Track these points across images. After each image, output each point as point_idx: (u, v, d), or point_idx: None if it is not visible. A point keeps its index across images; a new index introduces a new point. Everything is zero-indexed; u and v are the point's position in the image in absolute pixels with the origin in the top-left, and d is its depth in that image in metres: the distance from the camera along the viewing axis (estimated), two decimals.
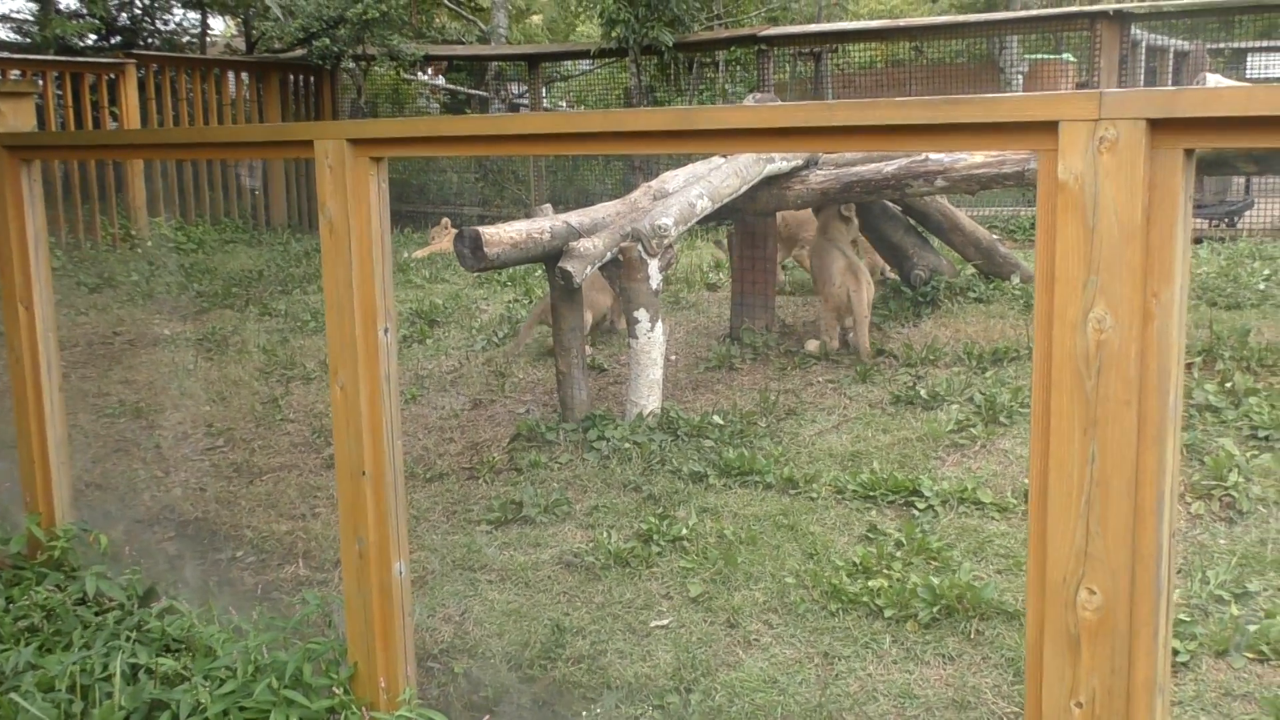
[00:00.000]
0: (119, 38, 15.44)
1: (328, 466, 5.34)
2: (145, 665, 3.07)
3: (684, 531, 4.26)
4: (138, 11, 16.38)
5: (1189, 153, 1.62)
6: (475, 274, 8.75)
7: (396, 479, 2.84)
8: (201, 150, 5.09)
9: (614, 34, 12.86)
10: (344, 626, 2.98)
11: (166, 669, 3.03)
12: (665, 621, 3.69)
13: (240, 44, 17.83)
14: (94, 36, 15.27)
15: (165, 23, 17.53)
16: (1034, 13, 14.59)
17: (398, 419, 2.85)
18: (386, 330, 2.78)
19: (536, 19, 30.59)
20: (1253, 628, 3.32)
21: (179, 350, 7.71)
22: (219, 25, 22.89)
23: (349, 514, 2.86)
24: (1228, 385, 5.16)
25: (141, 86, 12.55)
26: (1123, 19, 11.24)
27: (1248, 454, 4.49)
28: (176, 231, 12.15)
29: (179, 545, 4.61)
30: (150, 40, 16.26)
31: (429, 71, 16.35)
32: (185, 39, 18.00)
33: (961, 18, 14.86)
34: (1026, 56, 13.87)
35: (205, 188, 13.24)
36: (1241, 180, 11.29)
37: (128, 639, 3.25)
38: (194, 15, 17.72)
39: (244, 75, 14.33)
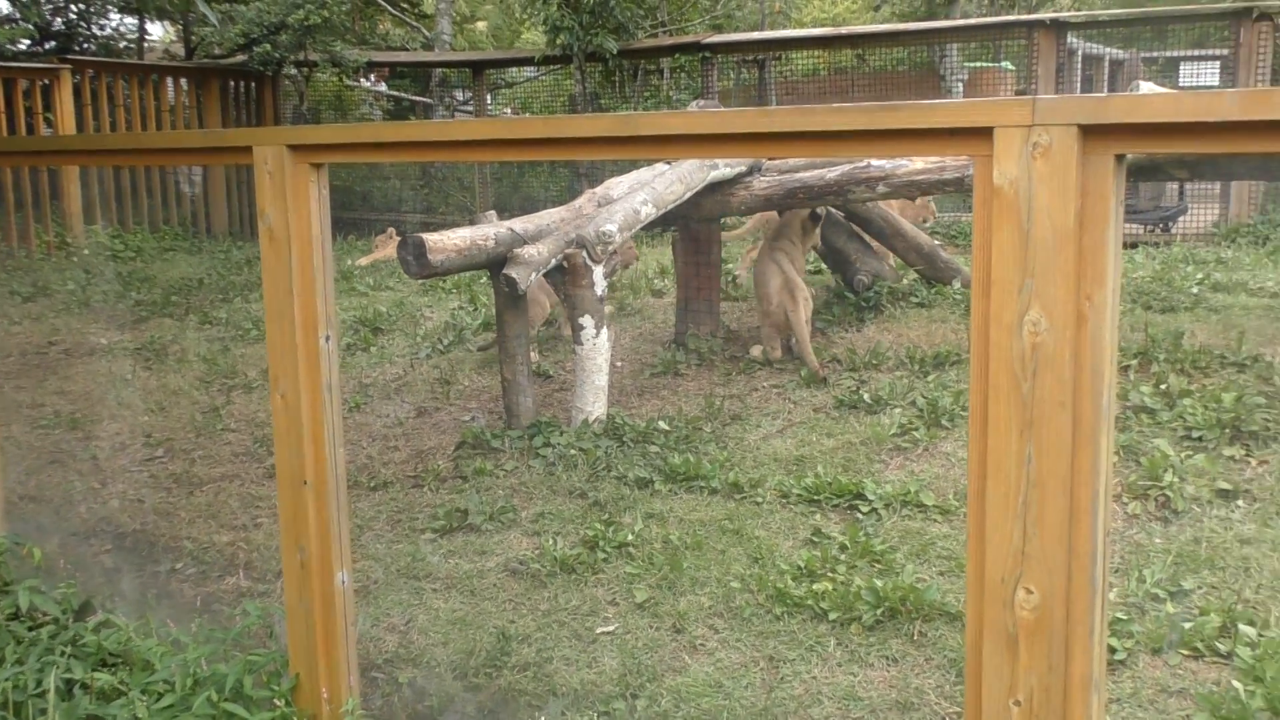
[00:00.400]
0: (54, 43, 15.16)
1: (270, 476, 5.28)
2: (81, 680, 3.01)
3: (630, 537, 4.26)
4: (73, 17, 16.10)
5: (1120, 158, 1.65)
6: (420, 281, 8.70)
7: (339, 487, 2.81)
8: (138, 157, 5.02)
9: (559, 41, 12.88)
10: (286, 638, 2.95)
11: (103, 684, 2.97)
12: (611, 628, 3.69)
13: (180, 50, 17.59)
14: (28, 42, 14.98)
15: (101, 28, 17.25)
16: (973, 21, 14.79)
17: (340, 427, 2.82)
18: (328, 337, 2.75)
19: (481, 26, 30.52)
20: (1187, 625, 3.38)
21: (116, 360, 7.59)
22: (157, 31, 22.58)
23: (290, 523, 2.83)
24: (1163, 387, 5.26)
25: (77, 93, 12.35)
26: (1059, 28, 11.44)
27: (1182, 454, 4.58)
28: (114, 239, 11.96)
29: (116, 558, 4.53)
30: (86, 46, 15.99)
31: (371, 78, 16.23)
32: (123, 45, 17.74)
33: (902, 26, 15.04)
34: (966, 64, 14.07)
35: (144, 195, 13.05)
36: (1175, 186, 11.52)
37: (62, 654, 3.18)
38: (131, 21, 17.47)
39: (183, 81, 14.16)
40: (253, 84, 14.60)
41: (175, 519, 4.89)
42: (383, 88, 17.32)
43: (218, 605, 4.02)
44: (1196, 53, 14.02)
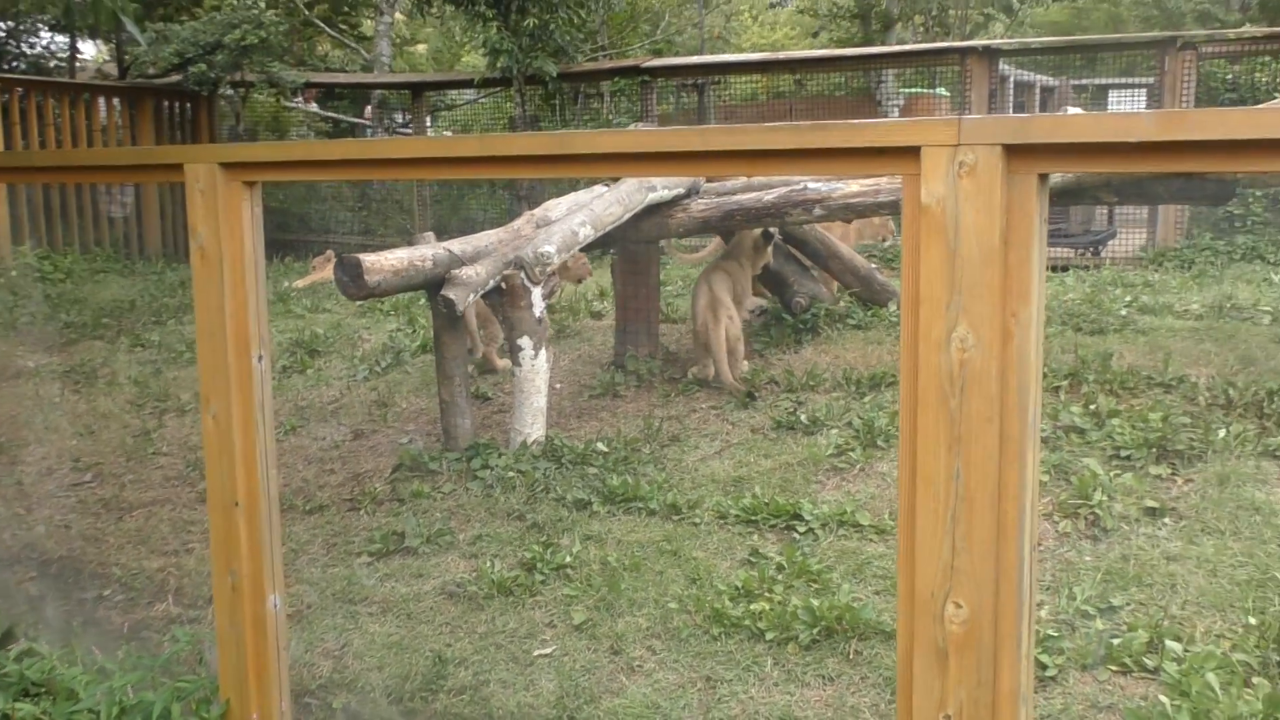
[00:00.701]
0: None
1: (202, 500, 5.19)
2: (2, 711, 2.94)
3: (568, 559, 4.24)
4: (1, 34, 15.85)
5: (1043, 177, 1.68)
6: (357, 302, 8.62)
7: (271, 509, 2.77)
8: (66, 174, 4.94)
9: (498, 64, 12.87)
10: (216, 664, 2.90)
11: (24, 714, 2.90)
12: (549, 650, 3.67)
13: (113, 69, 17.35)
14: None
15: (32, 46, 16.99)
16: (908, 48, 15.04)
17: (272, 448, 2.78)
18: (261, 357, 2.72)
19: (421, 48, 30.46)
20: (1116, 641, 3.43)
21: (44, 383, 7.43)
22: (90, 50, 22.28)
23: (221, 546, 2.78)
24: (1092, 407, 5.35)
25: (5, 111, 12.11)
26: (991, 55, 11.66)
27: (1111, 473, 4.66)
28: (43, 260, 11.72)
29: (41, 585, 4.43)
30: (15, 64, 15.74)
31: (300, 98, 16.09)
32: (53, 63, 17.46)
33: (840, 51, 15.24)
34: (902, 90, 14.28)
35: (74, 215, 12.81)
36: (1105, 211, 11.76)
37: None
38: (62, 39, 17.22)
39: (115, 101, 13.94)
40: (188, 104, 14.42)
41: (103, 545, 4.79)
42: (313, 107, 17.19)
43: (146, 632, 3.95)
44: (1124, 80, 14.34)
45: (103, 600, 4.26)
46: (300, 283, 10.98)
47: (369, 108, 16.75)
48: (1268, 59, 11.71)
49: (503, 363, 7.44)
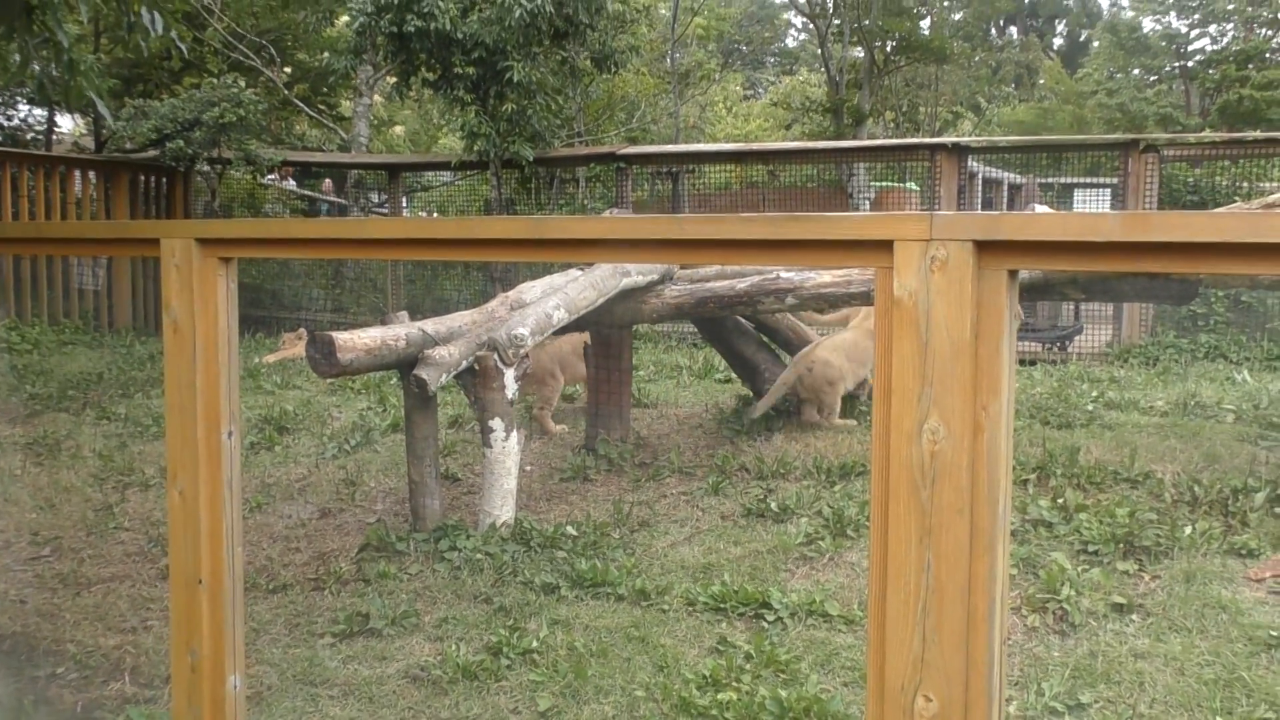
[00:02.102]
0: None
1: (163, 577, 5.11)
2: None
3: (535, 644, 4.19)
4: None
5: (1012, 273, 1.71)
6: (328, 380, 8.59)
7: (235, 588, 2.73)
8: (41, 246, 4.93)
9: (475, 147, 13.03)
10: None
11: None
12: None
13: (90, 142, 17.43)
14: None
15: (9, 118, 17.06)
16: (879, 142, 15.32)
17: (239, 526, 2.75)
18: (231, 433, 2.70)
19: (399, 130, 30.80)
20: None
21: (4, 455, 7.34)
22: (67, 123, 22.39)
23: (182, 624, 2.74)
24: (1060, 501, 5.38)
25: None
26: (960, 152, 11.90)
27: (1079, 568, 4.67)
28: (10, 331, 11.65)
29: None
30: None
31: (274, 175, 16.19)
32: (30, 135, 17.52)
33: (812, 144, 15.52)
34: (873, 183, 14.53)
35: (44, 286, 12.77)
36: (1071, 307, 11.94)
37: None
38: (40, 112, 17.30)
39: (91, 174, 13.99)
40: (164, 179, 14.49)
41: (59, 621, 4.70)
42: (291, 184, 17.28)
43: (100, 712, 3.85)
44: (1089, 180, 14.68)
45: (56, 678, 4.16)
46: (270, 358, 10.95)
47: (326, 181, 16.84)
48: (1227, 163, 12.02)
49: (558, 427, 7.49)
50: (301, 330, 11.84)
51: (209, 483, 2.68)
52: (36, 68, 5.53)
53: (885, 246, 1.76)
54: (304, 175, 17.87)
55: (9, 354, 10.94)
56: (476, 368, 5.54)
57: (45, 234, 3.90)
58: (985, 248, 1.69)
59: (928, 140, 13.68)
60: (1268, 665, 3.87)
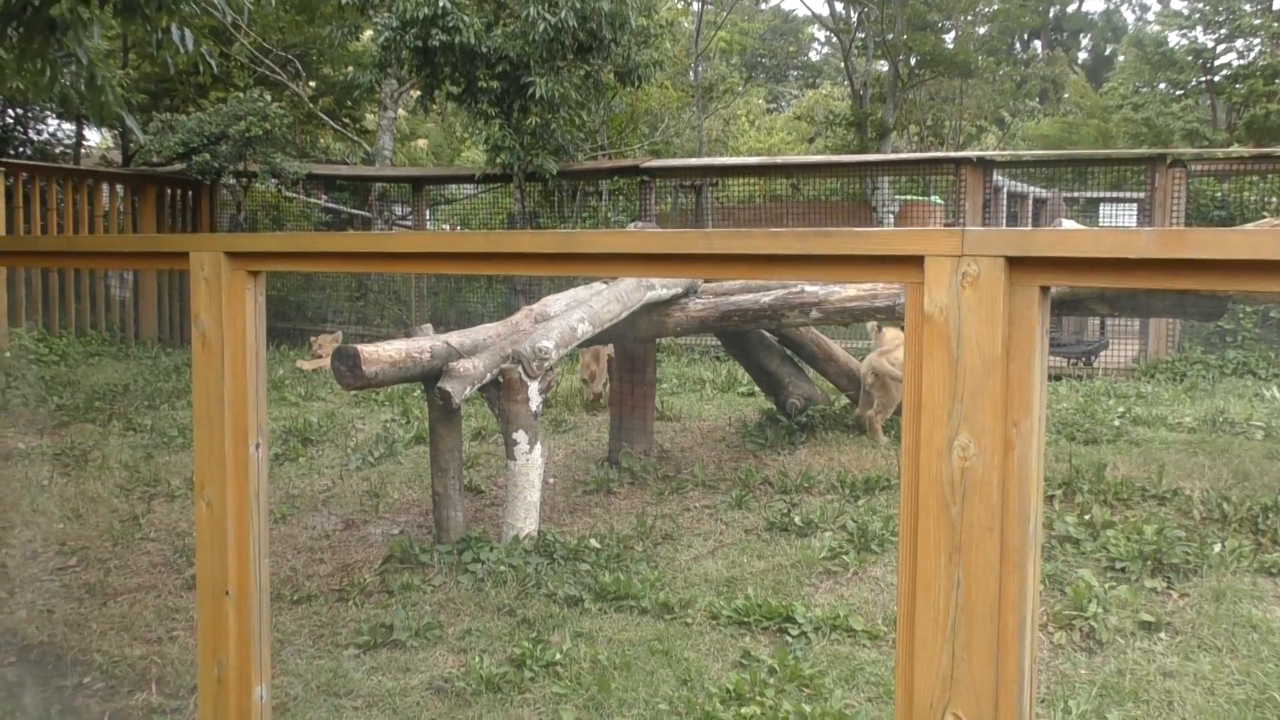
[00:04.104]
0: None
1: (189, 587, 5.13)
2: None
3: (558, 656, 4.18)
4: (9, 120, 16.08)
5: (1044, 290, 1.70)
6: (352, 392, 8.63)
7: (262, 599, 2.74)
8: (72, 259, 4.97)
9: (499, 160, 13.07)
10: None
11: None
12: None
13: (117, 156, 17.58)
14: None
15: (39, 132, 17.25)
16: (903, 156, 15.29)
17: (266, 537, 2.76)
18: (258, 445, 2.72)
19: (422, 143, 30.96)
20: None
21: (33, 465, 7.39)
22: (95, 137, 22.62)
23: (209, 635, 2.75)
24: (1086, 518, 5.34)
25: (9, 195, 12.25)
26: (985, 165, 11.86)
27: (1106, 585, 4.63)
28: (38, 343, 11.74)
29: (20, 671, 4.35)
30: (22, 149, 15.94)
31: (299, 188, 16.30)
32: (59, 149, 17.70)
33: (835, 158, 15.50)
34: (898, 197, 14.51)
35: (71, 298, 12.88)
36: (1097, 322, 11.87)
37: None
38: (69, 126, 17.48)
39: (119, 187, 14.11)
40: (190, 192, 14.60)
41: (86, 631, 4.72)
42: (324, 200, 17.39)
43: None
44: (1115, 194, 14.60)
45: (82, 688, 4.18)
46: (306, 364, 10.97)
47: (322, 196, 16.90)
48: (1255, 178, 11.95)
49: (885, 440, 7.30)
50: (338, 334, 11.90)
51: (236, 494, 2.69)
52: (66, 83, 5.59)
53: (916, 262, 1.76)
54: (328, 189, 17.96)
55: (37, 365, 11.03)
56: (501, 380, 5.55)
57: (75, 247, 3.93)
58: (1017, 264, 1.68)
59: (953, 154, 13.64)
60: None
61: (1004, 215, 14.13)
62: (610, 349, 7.60)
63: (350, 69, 17.41)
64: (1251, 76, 27.25)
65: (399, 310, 14.73)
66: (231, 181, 14.29)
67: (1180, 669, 3.98)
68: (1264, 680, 3.86)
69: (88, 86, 5.61)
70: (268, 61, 17.86)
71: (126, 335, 13.46)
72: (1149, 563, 4.84)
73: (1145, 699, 3.79)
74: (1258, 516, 5.31)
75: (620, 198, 14.93)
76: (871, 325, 7.86)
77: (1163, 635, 4.25)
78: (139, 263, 3.31)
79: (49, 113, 16.98)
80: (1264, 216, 10.53)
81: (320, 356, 11.36)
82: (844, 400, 7.92)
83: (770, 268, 2.02)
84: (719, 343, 9.30)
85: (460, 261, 2.57)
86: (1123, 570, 4.82)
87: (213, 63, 6.34)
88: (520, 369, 5.48)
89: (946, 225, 12.89)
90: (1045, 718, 3.67)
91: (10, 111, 16.37)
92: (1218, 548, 4.93)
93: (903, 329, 7.10)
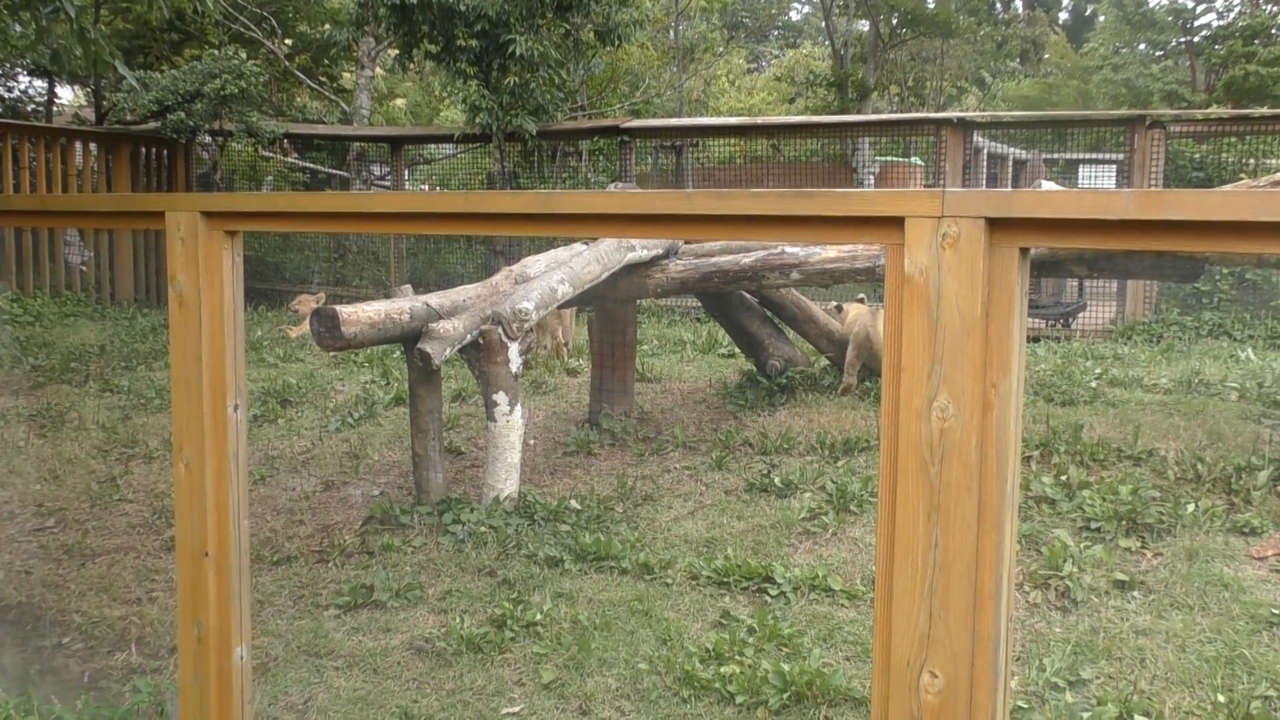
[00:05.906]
0: None
1: (167, 548, 5.13)
2: None
3: (538, 617, 4.21)
4: None
5: (1024, 251, 1.71)
6: (331, 354, 8.59)
7: (241, 560, 2.74)
8: (44, 219, 4.92)
9: (477, 120, 12.97)
10: (177, 716, 2.85)
11: None
12: (516, 709, 3.63)
13: (90, 114, 17.37)
14: None
15: (9, 90, 17.00)
16: (884, 117, 15.26)
17: (245, 498, 2.76)
18: (236, 406, 2.70)
19: (400, 102, 30.69)
20: (1086, 715, 3.43)
21: (9, 426, 7.35)
22: (67, 95, 22.32)
23: (189, 596, 2.75)
24: (1063, 478, 5.39)
25: None
26: (965, 126, 11.85)
27: (1081, 544, 4.68)
28: (12, 303, 11.63)
29: None
30: None
31: (276, 147, 16.15)
32: (30, 107, 17.46)
33: (816, 119, 15.46)
34: (878, 158, 14.49)
35: (45, 259, 12.75)
36: (1075, 283, 11.91)
37: None
38: (40, 83, 17.23)
39: (92, 146, 13.94)
40: (165, 151, 14.43)
41: (64, 591, 4.72)
42: (294, 158, 17.23)
43: (105, 682, 3.87)
44: (1094, 156, 14.61)
45: (62, 648, 4.18)
46: (294, 332, 10.89)
47: (293, 154, 16.75)
48: (1233, 140, 11.97)
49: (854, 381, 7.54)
50: (320, 294, 11.82)
51: (215, 455, 2.69)
52: (59, 35, 5.51)
53: (896, 223, 1.76)
54: (305, 148, 17.79)
55: (11, 326, 10.93)
56: (481, 342, 5.54)
57: (48, 206, 3.89)
58: (997, 225, 1.68)
59: (933, 115, 13.62)
60: (1269, 643, 3.88)
61: (984, 176, 14.14)
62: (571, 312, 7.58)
63: (327, 26, 17.22)
64: (1231, 37, 27.27)
65: (378, 271, 14.66)
66: (207, 140, 14.13)
67: (1153, 627, 4.03)
68: (1234, 638, 3.91)
69: (76, 39, 5.55)
70: (242, 19, 17.62)
71: (102, 296, 13.34)
72: (1124, 522, 4.89)
73: (1118, 656, 3.84)
74: (1231, 477, 5.36)
75: (600, 158, 14.84)
76: (831, 305, 7.90)
77: (1136, 594, 4.30)
78: (114, 222, 3.27)
79: (19, 70, 16.74)
80: (1241, 178, 10.56)
81: (304, 317, 11.28)
82: (824, 361, 7.94)
83: (752, 228, 2.02)
84: (699, 304, 9.31)
85: (440, 222, 2.55)
86: (1098, 530, 4.87)
87: (209, 1, 6.27)
88: (500, 330, 5.47)
89: (927, 186, 12.90)
90: (1020, 675, 3.71)
91: None
92: (1191, 508, 4.98)
93: (863, 303, 7.14)
